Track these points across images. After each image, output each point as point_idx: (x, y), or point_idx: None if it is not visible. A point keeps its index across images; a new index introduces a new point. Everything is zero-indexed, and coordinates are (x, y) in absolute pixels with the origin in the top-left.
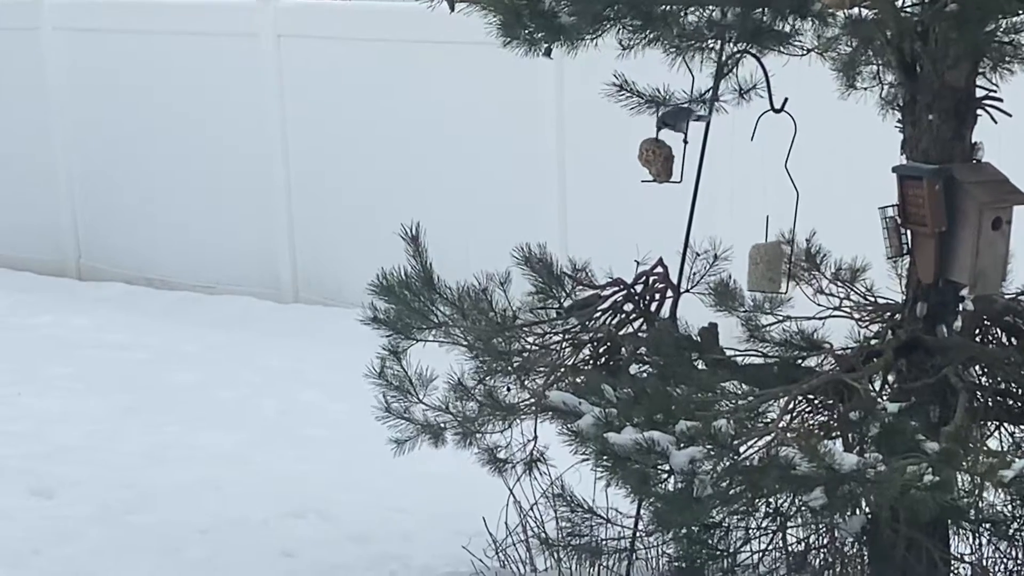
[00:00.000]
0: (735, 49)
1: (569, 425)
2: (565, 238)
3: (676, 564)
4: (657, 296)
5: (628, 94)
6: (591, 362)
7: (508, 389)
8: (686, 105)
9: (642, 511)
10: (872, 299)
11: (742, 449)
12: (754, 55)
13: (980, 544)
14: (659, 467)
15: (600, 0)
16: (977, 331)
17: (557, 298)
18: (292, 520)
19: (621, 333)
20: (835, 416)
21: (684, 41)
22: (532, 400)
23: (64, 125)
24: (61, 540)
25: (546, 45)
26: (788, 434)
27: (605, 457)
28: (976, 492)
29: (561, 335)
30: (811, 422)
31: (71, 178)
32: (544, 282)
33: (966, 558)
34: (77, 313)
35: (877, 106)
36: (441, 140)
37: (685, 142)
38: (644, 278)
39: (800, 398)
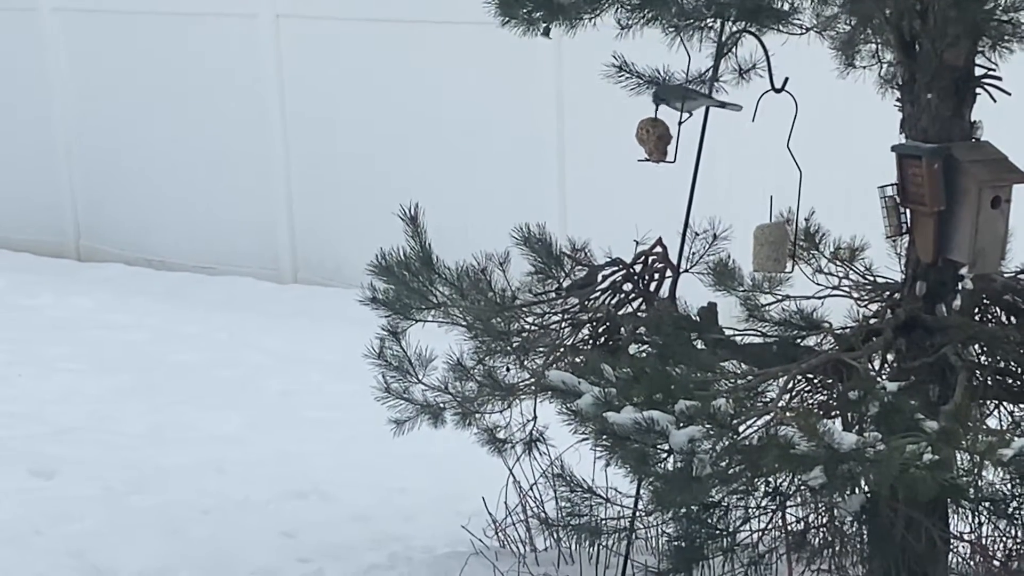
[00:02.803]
0: (734, 28)
1: (568, 405)
2: (564, 218)
3: (675, 543)
4: (656, 276)
5: (627, 75)
6: (590, 342)
7: (507, 369)
8: (684, 84)
9: (641, 490)
10: (871, 278)
11: (741, 428)
12: (754, 34)
13: (980, 523)
14: (658, 446)
15: None
16: (976, 310)
17: (556, 278)
18: (293, 500)
19: (620, 313)
20: (834, 395)
21: (683, 20)
22: (531, 380)
23: (63, 107)
24: (62, 521)
25: (545, 24)
26: (787, 413)
27: (604, 437)
28: (975, 471)
29: (560, 315)
30: (810, 401)
31: (70, 159)
32: (543, 262)
33: (965, 537)
34: (77, 294)
35: (876, 85)
36: (440, 120)
37: (680, 122)
38: (643, 258)
39: (799, 377)
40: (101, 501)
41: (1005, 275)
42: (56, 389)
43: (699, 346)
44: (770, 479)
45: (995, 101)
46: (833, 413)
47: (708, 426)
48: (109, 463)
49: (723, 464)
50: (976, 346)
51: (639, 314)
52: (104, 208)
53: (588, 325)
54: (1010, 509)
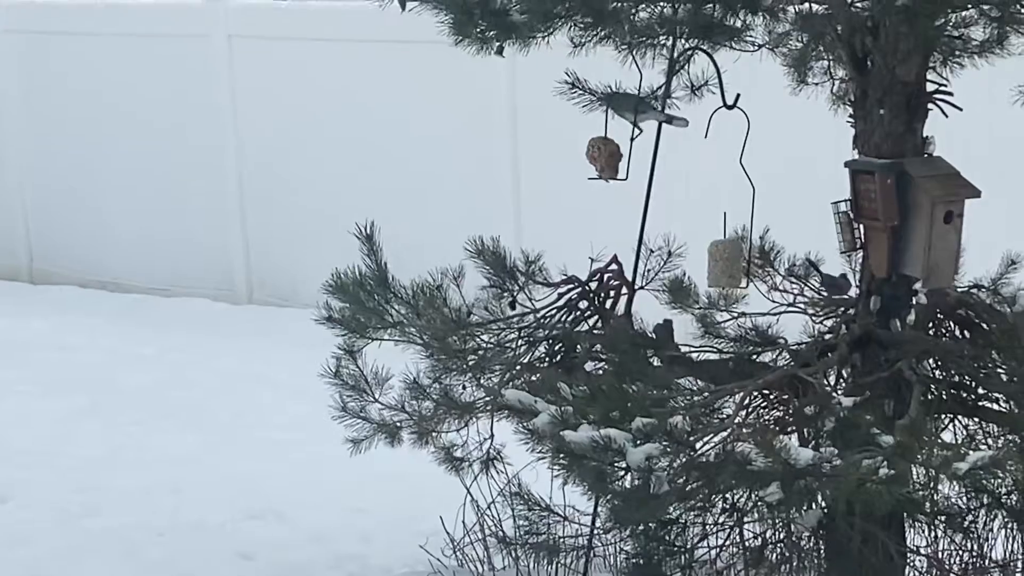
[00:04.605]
0: (687, 45)
1: (525, 423)
2: (519, 235)
3: (634, 561)
4: (612, 293)
5: (580, 91)
6: (547, 360)
7: (464, 387)
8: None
9: (599, 508)
10: (826, 294)
11: (698, 445)
12: (706, 51)
13: (936, 537)
14: (616, 464)
15: None
16: (930, 325)
17: (511, 292)
18: (250, 522)
19: (576, 330)
20: (790, 411)
21: (636, 38)
22: (488, 398)
23: (15, 128)
24: (17, 544)
25: (498, 43)
26: (744, 430)
27: (562, 455)
28: (931, 485)
29: (516, 332)
30: (767, 417)
31: (22, 181)
32: (497, 275)
33: (922, 551)
34: (31, 316)
35: (828, 101)
36: (394, 139)
37: (632, 138)
38: (599, 275)
39: (755, 393)
40: (56, 524)
41: (958, 289)
42: (9, 412)
43: (655, 363)
44: (727, 495)
45: (947, 116)
46: (789, 429)
47: (665, 443)
48: (63, 486)
49: (680, 481)
50: (930, 360)
51: (595, 332)
52: (57, 230)
53: (544, 343)
54: (966, 523)
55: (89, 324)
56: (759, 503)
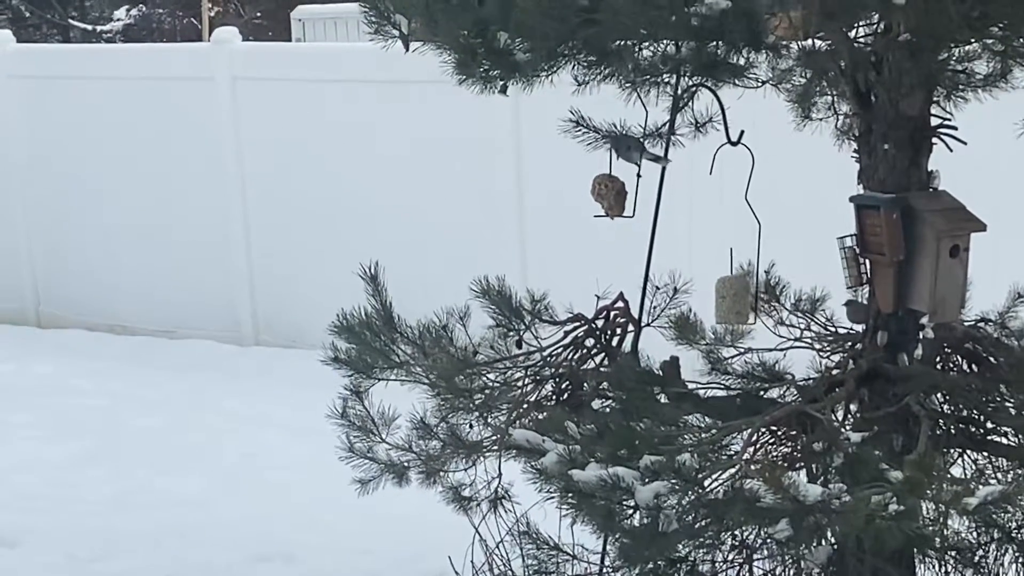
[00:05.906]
0: (690, 83)
1: (533, 463)
2: (525, 274)
3: None
4: (618, 330)
5: (584, 129)
6: (553, 398)
7: (471, 427)
8: (638, 136)
9: (608, 547)
10: (833, 329)
11: (707, 482)
12: (709, 88)
13: (946, 572)
14: (624, 503)
15: (555, 36)
16: (938, 359)
17: (517, 331)
18: (257, 564)
19: (583, 368)
20: (799, 447)
21: (639, 76)
22: (495, 437)
23: (21, 172)
24: None
25: (502, 82)
26: (752, 466)
27: (570, 494)
28: (941, 520)
29: (523, 371)
30: (775, 454)
31: (29, 225)
32: (503, 315)
33: None
34: (38, 360)
35: (833, 136)
36: (398, 179)
37: (639, 176)
38: (605, 313)
39: (763, 430)
40: (64, 569)
41: (965, 323)
42: (17, 456)
43: (662, 401)
44: (736, 533)
45: (951, 150)
46: (798, 465)
47: (673, 481)
48: (72, 530)
49: (689, 519)
50: (938, 395)
51: (602, 369)
52: (63, 274)
53: (551, 381)
54: (976, 558)
55: (96, 368)
56: (768, 540)
